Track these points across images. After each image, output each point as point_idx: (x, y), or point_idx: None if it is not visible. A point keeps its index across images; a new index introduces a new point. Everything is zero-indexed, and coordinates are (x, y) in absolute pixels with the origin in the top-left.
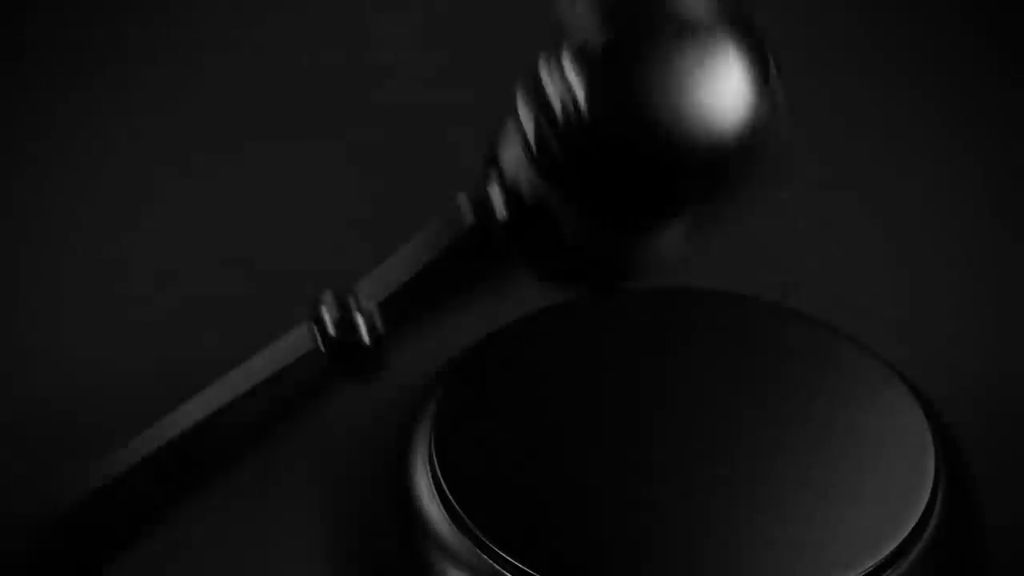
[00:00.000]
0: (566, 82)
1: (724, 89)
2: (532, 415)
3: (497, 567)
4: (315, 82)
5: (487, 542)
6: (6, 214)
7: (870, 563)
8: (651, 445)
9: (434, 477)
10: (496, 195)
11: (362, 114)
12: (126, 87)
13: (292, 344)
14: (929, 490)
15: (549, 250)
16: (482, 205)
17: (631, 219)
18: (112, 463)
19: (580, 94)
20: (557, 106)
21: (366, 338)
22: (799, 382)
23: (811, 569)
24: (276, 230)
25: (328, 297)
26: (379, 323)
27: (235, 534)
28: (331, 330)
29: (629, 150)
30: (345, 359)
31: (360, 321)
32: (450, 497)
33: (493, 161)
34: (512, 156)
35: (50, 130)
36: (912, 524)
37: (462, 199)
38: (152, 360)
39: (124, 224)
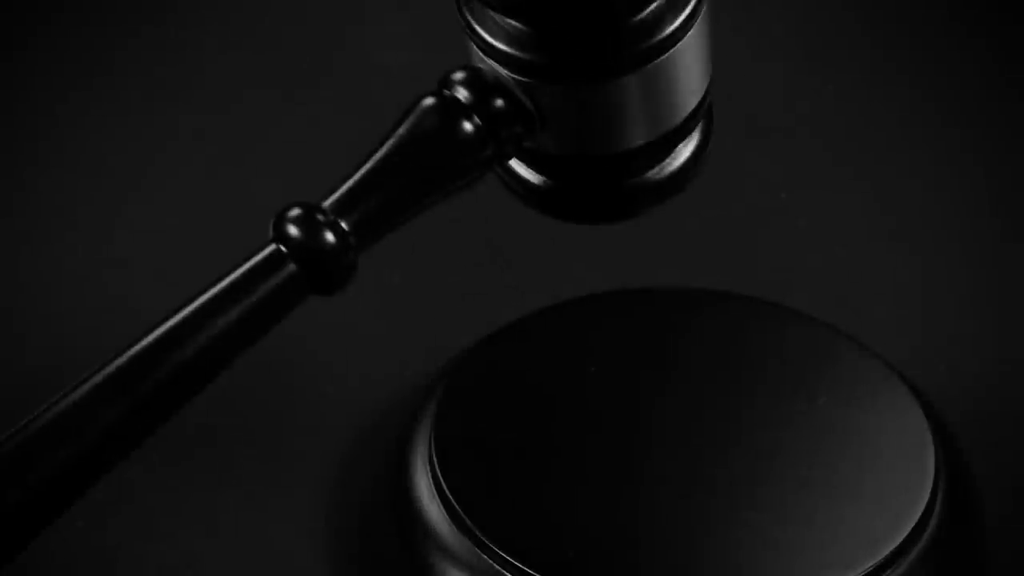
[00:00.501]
0: None
1: None
2: (532, 415)
3: (497, 567)
4: (315, 82)
5: (487, 542)
6: (6, 214)
7: (870, 563)
8: (651, 445)
9: (434, 477)
10: (458, 79)
11: (362, 114)
12: (127, 87)
13: (260, 256)
14: (929, 490)
15: (517, 145)
16: (444, 95)
17: (573, 57)
18: (74, 388)
19: None
20: None
21: (330, 237)
22: (799, 382)
23: (811, 569)
24: None
25: (292, 207)
26: (343, 223)
27: (235, 534)
28: (294, 232)
29: None
30: (310, 262)
31: (322, 220)
32: (450, 497)
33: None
34: (471, 52)
35: (50, 129)
36: (912, 524)
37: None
38: None
39: (124, 224)
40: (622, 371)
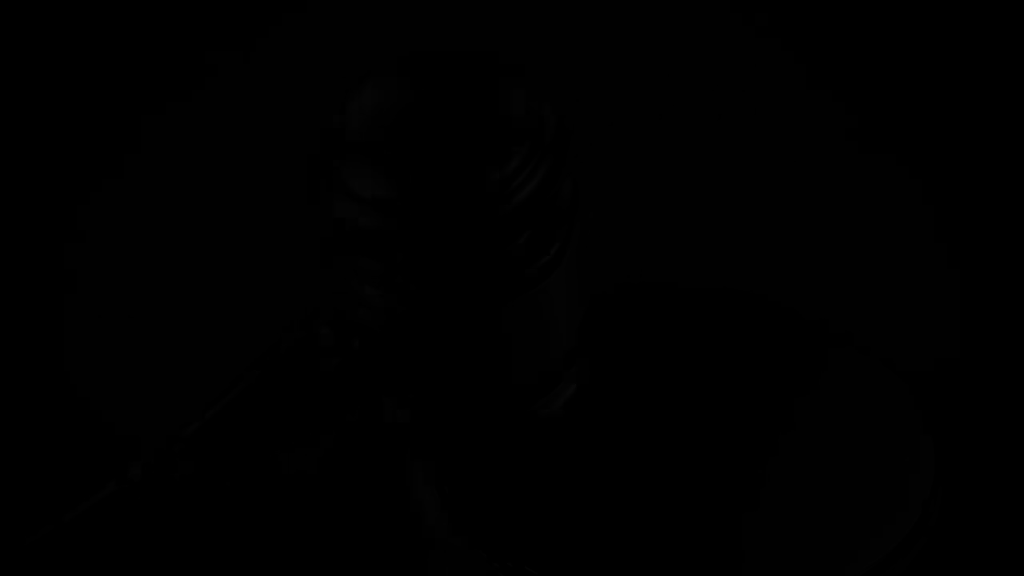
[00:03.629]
0: None
1: None
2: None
3: (497, 567)
4: (315, 82)
5: (487, 543)
6: (5, 214)
7: (870, 562)
8: (650, 444)
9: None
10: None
11: None
12: (127, 87)
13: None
14: (929, 490)
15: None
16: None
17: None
18: None
19: None
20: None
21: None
22: (798, 382)
23: (811, 568)
24: (275, 229)
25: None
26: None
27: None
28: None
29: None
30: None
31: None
32: (450, 497)
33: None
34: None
35: (50, 129)
36: (912, 524)
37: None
38: (152, 361)
39: (124, 225)
40: (620, 370)
